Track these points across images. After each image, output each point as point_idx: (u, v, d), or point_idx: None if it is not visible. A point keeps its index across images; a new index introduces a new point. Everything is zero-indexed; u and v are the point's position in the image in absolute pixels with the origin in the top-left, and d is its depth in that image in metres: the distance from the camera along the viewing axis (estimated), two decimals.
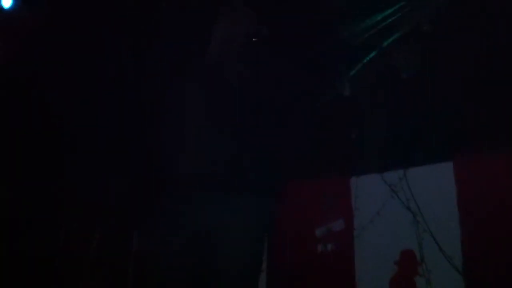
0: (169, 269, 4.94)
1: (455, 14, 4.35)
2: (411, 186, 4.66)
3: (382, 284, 4.57)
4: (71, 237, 5.09)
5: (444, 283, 4.34)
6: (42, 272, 4.89)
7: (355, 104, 5.05)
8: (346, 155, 4.93)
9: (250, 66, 4.42)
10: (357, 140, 4.95)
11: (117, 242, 5.15)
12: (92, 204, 4.88)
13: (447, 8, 4.36)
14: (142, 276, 5.35)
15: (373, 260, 4.63)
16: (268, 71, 4.76)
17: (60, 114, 4.72)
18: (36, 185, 4.62)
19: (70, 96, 4.63)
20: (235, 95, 4.79)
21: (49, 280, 4.94)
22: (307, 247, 4.88)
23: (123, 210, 4.98)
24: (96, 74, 4.63)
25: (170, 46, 4.63)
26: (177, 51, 4.67)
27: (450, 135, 4.59)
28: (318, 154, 4.91)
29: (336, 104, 5.09)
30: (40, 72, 4.45)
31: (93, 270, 5.14)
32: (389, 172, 4.79)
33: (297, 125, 4.97)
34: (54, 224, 5.00)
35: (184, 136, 4.73)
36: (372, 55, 4.77)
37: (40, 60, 4.39)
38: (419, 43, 4.64)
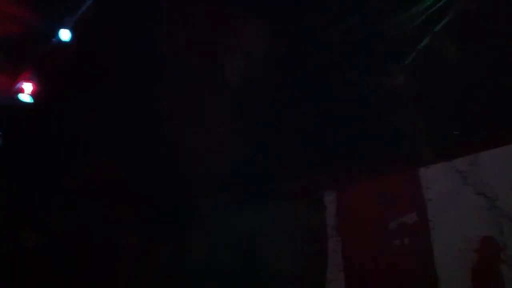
0: (211, 271, 5.00)
1: None
2: (484, 170, 4.51)
3: (464, 272, 4.45)
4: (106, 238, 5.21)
5: None
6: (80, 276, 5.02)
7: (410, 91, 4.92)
8: (411, 146, 4.81)
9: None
10: (422, 129, 4.82)
11: (155, 244, 5.24)
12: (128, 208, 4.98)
13: None
14: (182, 278, 5.44)
15: (452, 250, 4.51)
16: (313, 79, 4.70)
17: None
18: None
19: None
20: (279, 103, 4.76)
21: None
22: (383, 243, 4.81)
23: (163, 212, 5.08)
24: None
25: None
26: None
27: None
28: (382, 149, 4.83)
29: (393, 93, 4.98)
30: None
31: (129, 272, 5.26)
32: (459, 158, 4.65)
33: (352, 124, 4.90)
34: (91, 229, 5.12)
35: (229, 142, 4.79)
36: (424, 42, 4.62)
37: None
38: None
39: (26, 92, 4.09)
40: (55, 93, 4.22)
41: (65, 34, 3.90)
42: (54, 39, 3.88)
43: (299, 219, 5.07)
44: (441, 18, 4.33)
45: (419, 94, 4.72)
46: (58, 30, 3.84)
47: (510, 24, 4.17)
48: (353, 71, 4.64)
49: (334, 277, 4.94)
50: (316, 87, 4.82)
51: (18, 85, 4.08)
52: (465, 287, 4.38)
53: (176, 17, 4.18)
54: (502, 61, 4.44)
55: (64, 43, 3.90)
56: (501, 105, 4.47)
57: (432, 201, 4.68)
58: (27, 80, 4.08)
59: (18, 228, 4.70)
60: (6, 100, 4.12)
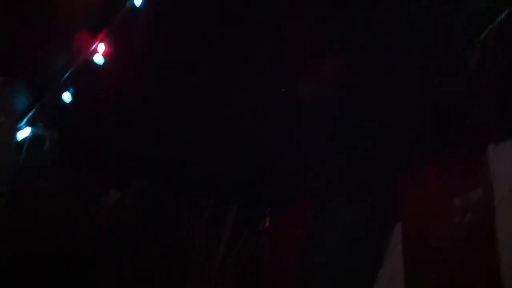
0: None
1: None
2: None
3: None
4: (206, 216, 5.33)
5: None
6: (177, 250, 5.14)
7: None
8: (479, 123, 4.65)
9: None
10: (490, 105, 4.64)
11: (251, 221, 5.33)
12: (227, 185, 5.07)
13: None
14: (276, 254, 5.51)
15: None
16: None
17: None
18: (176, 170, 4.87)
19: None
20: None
21: (184, 256, 5.19)
22: (443, 221, 4.70)
23: (257, 191, 5.13)
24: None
25: None
26: None
27: None
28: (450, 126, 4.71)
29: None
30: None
31: (228, 248, 5.36)
32: None
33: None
34: (191, 204, 5.26)
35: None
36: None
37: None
38: None
39: (100, 53, 4.29)
40: (127, 58, 4.38)
41: None
42: (127, 3, 4.03)
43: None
44: None
45: (488, 70, 4.54)
46: None
47: None
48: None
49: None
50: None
51: (93, 47, 4.29)
52: None
53: None
54: None
55: (137, 8, 4.04)
56: None
57: (498, 179, 4.52)
58: (101, 42, 4.27)
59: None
60: (81, 60, 4.35)
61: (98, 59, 4.33)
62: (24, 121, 4.52)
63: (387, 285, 5.04)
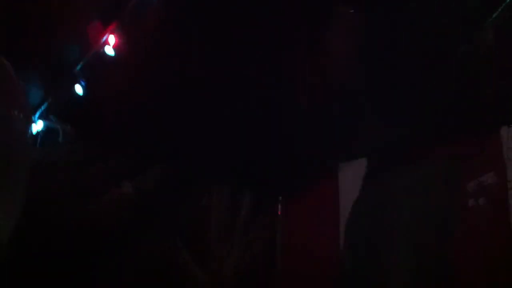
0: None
1: None
2: None
3: None
4: (220, 203, 5.32)
5: None
6: (190, 236, 5.11)
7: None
8: (493, 105, 4.65)
9: None
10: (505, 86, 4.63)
11: (265, 208, 5.32)
12: (241, 171, 5.07)
13: None
14: (289, 243, 5.48)
15: None
16: None
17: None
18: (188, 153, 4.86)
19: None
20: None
21: (195, 243, 5.16)
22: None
23: (271, 177, 5.13)
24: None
25: None
26: None
27: None
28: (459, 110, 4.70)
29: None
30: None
31: (241, 235, 5.34)
32: None
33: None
34: (204, 190, 5.24)
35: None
36: None
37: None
38: None
39: (111, 45, 4.34)
40: (139, 49, 4.41)
41: None
42: None
43: None
44: None
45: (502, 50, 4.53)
46: None
47: None
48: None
49: None
50: None
51: (104, 38, 4.34)
52: None
53: None
54: None
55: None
56: None
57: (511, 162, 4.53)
58: (112, 33, 4.32)
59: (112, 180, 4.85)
60: (92, 52, 4.39)
61: (109, 51, 4.38)
62: (37, 115, 4.55)
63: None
